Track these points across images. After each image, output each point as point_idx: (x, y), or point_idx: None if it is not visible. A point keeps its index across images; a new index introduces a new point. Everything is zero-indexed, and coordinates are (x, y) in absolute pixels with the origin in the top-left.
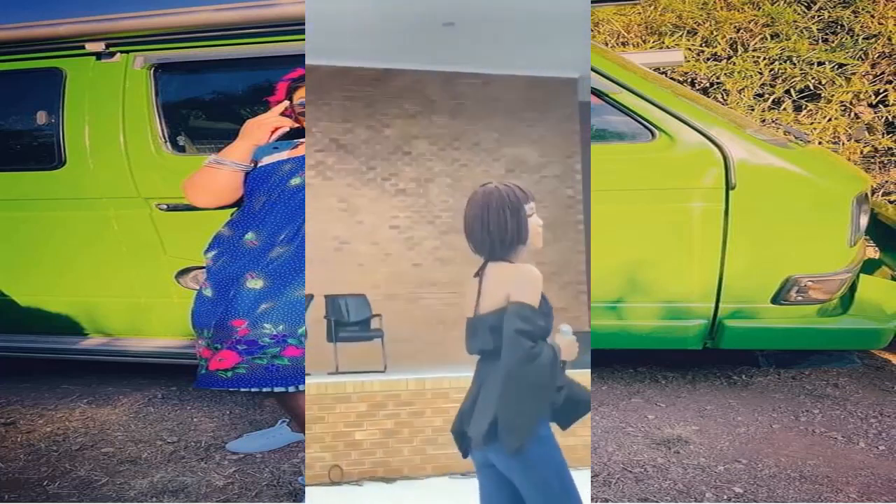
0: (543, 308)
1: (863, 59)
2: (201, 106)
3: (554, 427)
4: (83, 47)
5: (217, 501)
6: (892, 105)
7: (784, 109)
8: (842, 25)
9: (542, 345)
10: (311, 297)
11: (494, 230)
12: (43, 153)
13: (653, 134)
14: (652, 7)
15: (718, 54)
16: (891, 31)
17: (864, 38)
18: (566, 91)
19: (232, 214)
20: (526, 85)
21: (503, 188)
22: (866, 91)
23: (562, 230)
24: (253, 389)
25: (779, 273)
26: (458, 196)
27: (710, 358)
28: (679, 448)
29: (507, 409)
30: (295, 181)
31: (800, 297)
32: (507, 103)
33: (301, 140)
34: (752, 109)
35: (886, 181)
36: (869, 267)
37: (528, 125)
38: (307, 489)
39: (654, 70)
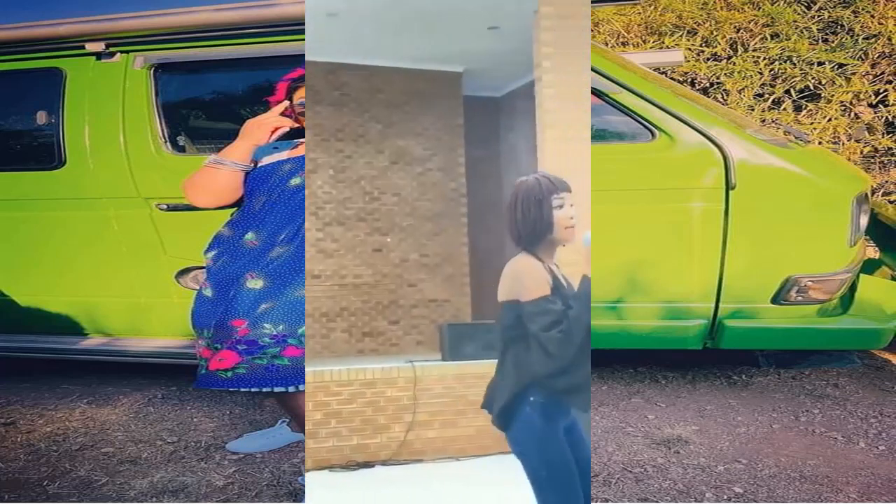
0: (557, 282)
1: (863, 59)
2: (201, 106)
3: None
4: (83, 47)
5: (217, 501)
6: (892, 105)
7: (784, 109)
8: (842, 25)
9: (566, 319)
10: None
11: (520, 219)
12: (43, 153)
13: (653, 134)
14: (652, 7)
15: (718, 54)
16: (891, 31)
17: (864, 38)
18: (451, 84)
19: (232, 214)
20: (410, 77)
21: (533, 179)
22: (866, 91)
23: (445, 223)
24: (253, 389)
25: (779, 273)
26: (340, 188)
27: (710, 358)
28: (679, 448)
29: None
30: (295, 181)
31: (800, 297)
32: (392, 95)
33: (301, 140)
34: (752, 109)
35: (886, 181)
36: (869, 267)
37: (412, 118)
38: (306, 477)
39: (654, 70)
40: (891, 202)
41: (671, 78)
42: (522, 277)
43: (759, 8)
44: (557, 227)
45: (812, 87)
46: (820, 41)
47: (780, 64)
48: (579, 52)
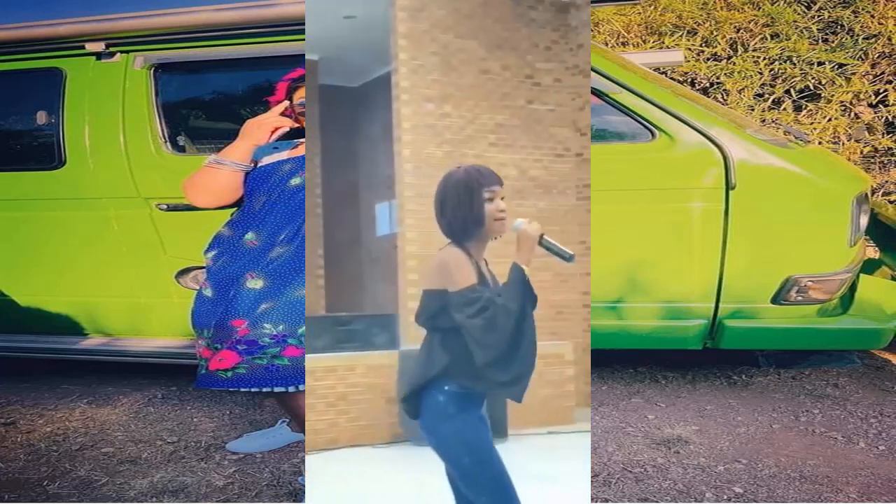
0: (483, 276)
1: (863, 59)
2: (201, 106)
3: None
4: (83, 47)
5: (217, 501)
6: (892, 105)
7: (784, 109)
8: (842, 25)
9: (492, 306)
10: None
11: (449, 211)
12: (43, 153)
13: (653, 134)
14: (652, 7)
15: (718, 54)
16: (891, 31)
17: (864, 38)
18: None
19: (232, 214)
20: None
21: (464, 169)
22: (866, 91)
23: None
24: (253, 389)
25: (779, 273)
26: None
27: (710, 358)
28: (679, 448)
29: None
30: (295, 181)
31: (800, 297)
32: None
33: (301, 140)
34: (752, 109)
35: (886, 181)
36: (869, 267)
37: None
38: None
39: (654, 70)
40: (891, 202)
41: (671, 78)
42: (450, 268)
43: (759, 8)
44: (488, 220)
45: (812, 87)
46: (820, 41)
47: (780, 64)
48: (434, 45)
